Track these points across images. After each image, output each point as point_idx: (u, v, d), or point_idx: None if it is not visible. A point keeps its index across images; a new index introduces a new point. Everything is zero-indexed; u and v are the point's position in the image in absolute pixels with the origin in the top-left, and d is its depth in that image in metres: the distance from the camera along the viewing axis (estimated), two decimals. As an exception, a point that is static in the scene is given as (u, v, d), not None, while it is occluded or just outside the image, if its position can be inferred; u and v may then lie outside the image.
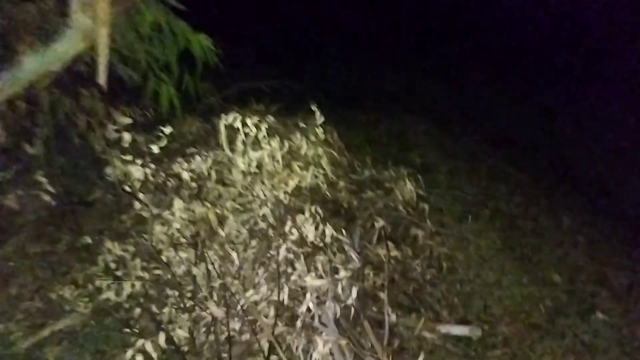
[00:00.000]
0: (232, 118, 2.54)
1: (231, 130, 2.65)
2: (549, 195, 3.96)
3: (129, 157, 3.10)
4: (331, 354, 2.13)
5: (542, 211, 3.82)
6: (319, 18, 5.46)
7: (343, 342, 2.17)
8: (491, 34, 5.86)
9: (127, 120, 3.17)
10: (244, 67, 3.91)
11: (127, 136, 2.71)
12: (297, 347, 2.19)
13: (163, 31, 3.13)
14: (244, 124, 2.55)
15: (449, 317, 2.56)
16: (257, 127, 2.59)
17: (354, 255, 2.66)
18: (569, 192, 3.95)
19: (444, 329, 2.45)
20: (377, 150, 3.99)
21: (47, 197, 3.08)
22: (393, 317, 2.40)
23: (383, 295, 2.45)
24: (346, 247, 2.69)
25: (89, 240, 3.14)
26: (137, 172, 2.56)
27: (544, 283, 2.94)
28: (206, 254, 2.59)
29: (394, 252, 2.86)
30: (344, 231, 2.66)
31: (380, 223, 2.92)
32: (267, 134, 2.61)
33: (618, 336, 2.57)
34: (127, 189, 2.82)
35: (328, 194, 3.01)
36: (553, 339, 2.47)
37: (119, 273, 2.79)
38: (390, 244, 2.88)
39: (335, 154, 3.19)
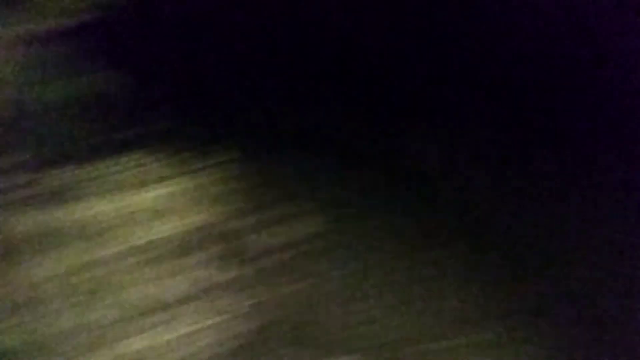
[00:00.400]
0: (138, 157, 2.54)
1: (135, 169, 2.65)
2: (445, 229, 4.20)
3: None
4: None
5: (440, 245, 4.05)
6: (232, 58, 5.56)
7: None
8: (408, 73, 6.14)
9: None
10: (144, 108, 3.88)
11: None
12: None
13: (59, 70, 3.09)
14: (149, 162, 2.56)
15: (345, 349, 2.62)
16: (164, 165, 2.60)
17: (244, 294, 2.67)
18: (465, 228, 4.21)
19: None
20: (286, 187, 4.07)
21: None
22: (291, 355, 2.43)
23: (277, 332, 2.49)
24: (237, 287, 2.71)
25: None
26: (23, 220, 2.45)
27: (441, 313, 3.11)
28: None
29: (293, 287, 2.92)
30: (236, 268, 2.69)
31: (282, 257, 2.98)
32: (175, 171, 2.62)
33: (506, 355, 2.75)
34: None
35: (231, 231, 3.04)
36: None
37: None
38: (290, 279, 2.95)
39: (243, 191, 3.25)
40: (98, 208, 2.85)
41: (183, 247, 2.68)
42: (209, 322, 2.31)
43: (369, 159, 5.20)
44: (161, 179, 2.77)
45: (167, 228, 2.78)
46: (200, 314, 2.34)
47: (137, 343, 2.25)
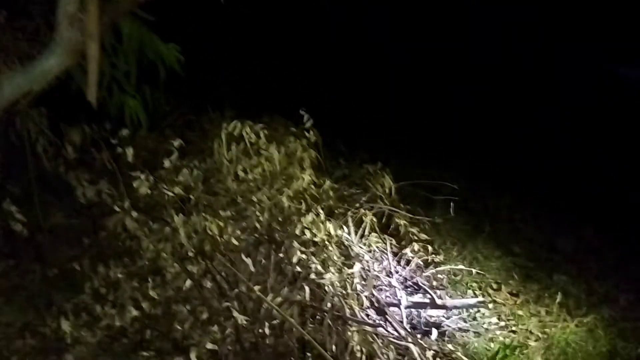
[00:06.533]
0: (233, 126, 2.56)
1: (229, 138, 2.67)
2: (492, 178, 4.40)
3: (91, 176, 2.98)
4: (365, 343, 2.26)
5: (487, 191, 4.26)
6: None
7: (371, 329, 2.31)
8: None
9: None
10: (201, 78, 3.84)
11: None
12: (329, 342, 2.29)
13: (130, 42, 3.02)
14: (245, 132, 2.58)
15: (450, 298, 2.82)
16: (257, 134, 2.63)
17: (356, 248, 2.81)
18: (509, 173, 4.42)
19: (450, 302, 2.69)
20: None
21: (18, 227, 2.83)
22: (404, 300, 2.59)
23: (393, 282, 2.63)
24: (346, 242, 2.84)
25: (64, 267, 2.94)
26: (142, 187, 2.47)
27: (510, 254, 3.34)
28: (212, 265, 2.58)
29: (384, 243, 3.06)
30: (343, 227, 2.80)
31: (368, 217, 3.10)
32: (266, 140, 2.66)
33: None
34: (117, 208, 2.70)
35: (317, 194, 3.12)
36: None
37: (111, 297, 2.66)
38: (380, 235, 3.09)
39: (317, 155, 3.31)
40: (184, 178, 2.85)
41: (281, 212, 2.74)
42: (329, 279, 2.41)
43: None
44: (249, 149, 2.79)
45: (259, 195, 2.81)
46: (319, 273, 2.45)
47: (267, 302, 2.35)
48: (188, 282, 2.57)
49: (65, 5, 2.15)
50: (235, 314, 2.36)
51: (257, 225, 2.71)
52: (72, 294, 2.76)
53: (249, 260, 2.51)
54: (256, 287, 2.42)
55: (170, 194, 2.61)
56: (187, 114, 3.82)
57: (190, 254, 2.58)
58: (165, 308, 2.58)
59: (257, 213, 2.72)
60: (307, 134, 2.90)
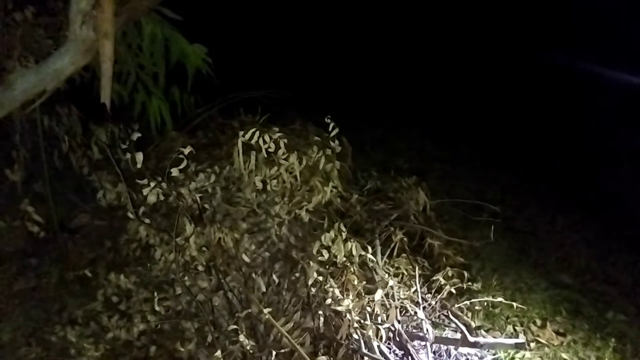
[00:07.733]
0: (250, 134, 2.38)
1: (246, 146, 2.49)
2: (538, 195, 3.99)
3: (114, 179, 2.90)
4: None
5: (536, 210, 3.85)
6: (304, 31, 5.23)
7: (390, 367, 2.06)
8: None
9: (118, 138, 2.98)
10: (230, 79, 3.69)
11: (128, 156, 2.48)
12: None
13: (155, 42, 2.91)
14: (263, 140, 2.39)
15: (484, 329, 2.52)
16: (276, 143, 2.43)
17: (381, 272, 2.56)
18: (558, 190, 4.01)
19: (484, 340, 2.38)
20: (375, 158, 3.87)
21: (34, 228, 2.78)
22: (431, 334, 2.31)
23: (420, 313, 2.36)
24: (371, 264, 2.60)
25: (80, 272, 2.87)
26: (151, 195, 2.33)
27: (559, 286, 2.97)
28: (224, 281, 2.41)
29: (413, 265, 2.79)
30: (368, 247, 2.56)
31: (398, 236, 2.84)
32: (286, 149, 2.46)
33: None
34: (130, 214, 2.59)
35: (342, 208, 2.90)
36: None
37: (122, 307, 2.55)
38: (410, 256, 2.82)
39: (345, 166, 3.09)
40: (200, 185, 2.70)
41: (300, 227, 2.54)
42: (347, 306, 2.18)
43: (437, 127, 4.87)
44: (268, 158, 2.60)
45: (277, 208, 2.63)
46: (336, 298, 2.23)
47: (277, 326, 2.15)
48: (198, 298, 2.42)
49: (78, 2, 2.05)
50: (242, 337, 2.17)
51: (275, 240, 2.53)
52: (85, 301, 2.68)
53: (261, 280, 2.33)
54: (267, 310, 2.22)
55: (189, 200, 2.47)
56: (218, 117, 3.68)
57: (201, 267, 2.43)
58: (173, 323, 2.44)
59: (275, 227, 2.54)
60: (332, 143, 2.68)
